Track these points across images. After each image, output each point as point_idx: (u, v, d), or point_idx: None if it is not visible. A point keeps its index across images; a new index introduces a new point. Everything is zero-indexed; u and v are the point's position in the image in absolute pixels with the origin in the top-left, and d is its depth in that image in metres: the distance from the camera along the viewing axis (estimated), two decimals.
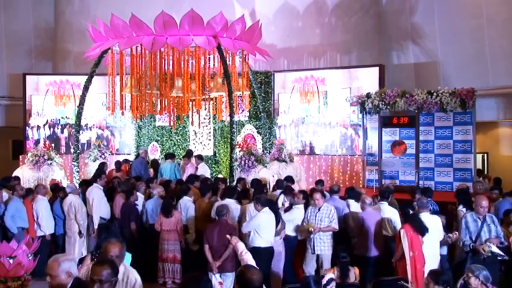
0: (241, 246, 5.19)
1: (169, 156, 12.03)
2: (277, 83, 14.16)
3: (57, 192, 9.01)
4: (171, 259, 7.92)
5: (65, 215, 8.57)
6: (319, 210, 7.42)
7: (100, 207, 8.69)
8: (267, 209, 7.00)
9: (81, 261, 7.05)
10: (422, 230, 6.38)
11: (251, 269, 4.03)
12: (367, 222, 7.19)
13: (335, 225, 7.36)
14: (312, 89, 13.72)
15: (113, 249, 4.29)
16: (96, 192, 8.77)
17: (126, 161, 12.44)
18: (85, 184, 9.36)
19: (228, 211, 7.09)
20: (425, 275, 6.12)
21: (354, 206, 8.02)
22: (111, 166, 12.72)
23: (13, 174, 11.01)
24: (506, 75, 12.24)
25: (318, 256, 7.40)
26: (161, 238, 7.95)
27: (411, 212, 6.96)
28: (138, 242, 8.22)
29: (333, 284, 5.29)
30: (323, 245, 7.35)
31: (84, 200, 8.84)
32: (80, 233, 8.53)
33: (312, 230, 7.25)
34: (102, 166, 11.68)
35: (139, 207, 8.63)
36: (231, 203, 7.68)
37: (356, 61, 14.07)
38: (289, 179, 9.41)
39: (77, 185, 9.61)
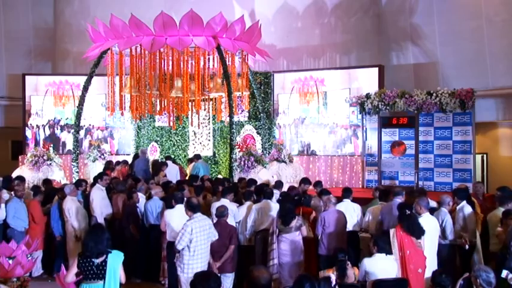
0: None
1: (197, 156, 12.59)
2: (277, 83, 14.17)
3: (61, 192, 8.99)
4: None
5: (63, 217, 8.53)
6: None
7: (101, 207, 8.66)
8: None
9: None
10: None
11: (260, 268, 4.07)
12: (327, 221, 7.24)
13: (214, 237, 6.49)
14: (311, 90, 13.72)
15: None
16: (96, 193, 8.75)
17: (125, 162, 12.42)
18: (80, 184, 9.34)
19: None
20: (425, 276, 6.18)
21: (351, 206, 7.97)
22: None
23: (13, 175, 10.99)
24: (505, 76, 12.25)
25: None
26: (163, 238, 7.93)
27: (408, 212, 6.87)
28: (139, 242, 8.22)
29: None
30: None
31: (86, 201, 8.84)
32: (76, 236, 8.33)
33: None
34: (107, 165, 11.66)
35: (141, 208, 8.61)
36: (226, 203, 7.66)
37: (355, 61, 14.08)
38: (306, 181, 9.17)
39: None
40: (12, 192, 8.57)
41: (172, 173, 11.48)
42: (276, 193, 8.62)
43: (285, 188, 9.23)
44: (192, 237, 6.23)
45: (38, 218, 8.47)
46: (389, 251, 6.08)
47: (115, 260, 4.95)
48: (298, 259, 7.04)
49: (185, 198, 7.26)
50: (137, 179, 9.87)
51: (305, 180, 9.21)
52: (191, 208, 6.46)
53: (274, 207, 7.74)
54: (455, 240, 7.08)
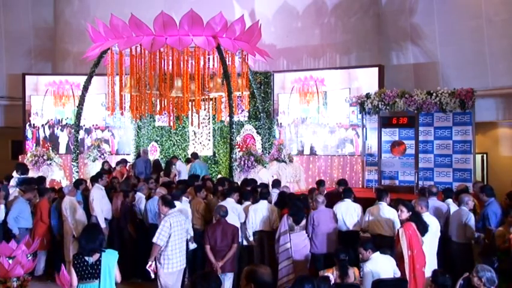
0: None
1: (195, 155, 12.57)
2: (277, 83, 14.17)
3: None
4: None
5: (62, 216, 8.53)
6: None
7: (100, 207, 8.65)
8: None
9: None
10: (425, 228, 6.38)
11: (262, 266, 4.06)
12: (317, 220, 7.25)
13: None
14: (311, 90, 13.73)
15: None
16: (96, 192, 8.75)
17: (124, 161, 12.43)
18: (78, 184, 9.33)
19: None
20: (426, 275, 6.19)
21: (351, 206, 7.96)
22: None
23: (12, 175, 10.98)
24: (505, 76, 12.24)
25: None
26: None
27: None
28: (137, 242, 8.20)
29: None
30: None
31: (86, 200, 8.83)
32: (73, 236, 8.25)
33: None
34: (103, 166, 11.68)
35: (141, 207, 8.60)
36: (232, 203, 7.65)
37: (355, 61, 14.09)
38: (343, 183, 8.88)
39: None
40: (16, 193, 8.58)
41: (183, 172, 11.65)
42: (275, 192, 8.62)
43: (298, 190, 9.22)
44: (171, 231, 6.24)
45: (46, 217, 8.47)
46: (380, 251, 6.10)
47: (109, 259, 4.93)
48: (305, 259, 7.05)
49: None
50: (138, 179, 9.88)
51: (340, 182, 9.05)
52: (167, 204, 6.42)
53: (271, 207, 7.75)
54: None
